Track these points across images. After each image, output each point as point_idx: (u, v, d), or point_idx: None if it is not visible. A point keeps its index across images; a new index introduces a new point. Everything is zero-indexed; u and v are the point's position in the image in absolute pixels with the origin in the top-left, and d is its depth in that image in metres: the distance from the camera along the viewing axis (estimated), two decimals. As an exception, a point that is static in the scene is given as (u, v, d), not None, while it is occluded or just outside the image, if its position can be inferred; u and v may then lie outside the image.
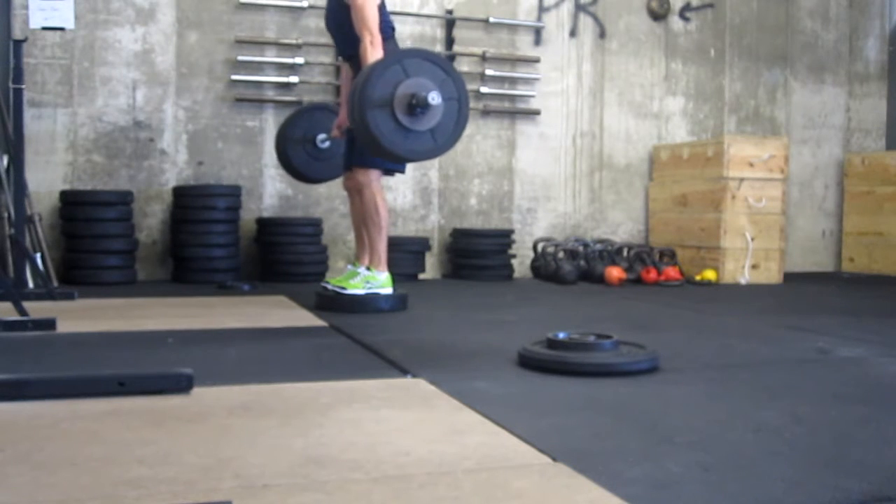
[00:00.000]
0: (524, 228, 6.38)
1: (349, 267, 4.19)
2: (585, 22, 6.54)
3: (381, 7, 3.96)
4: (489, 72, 6.18)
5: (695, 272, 6.01)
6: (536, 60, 6.32)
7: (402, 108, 3.26)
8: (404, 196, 6.08)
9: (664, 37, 6.76)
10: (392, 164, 4.03)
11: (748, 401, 2.27)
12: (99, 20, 5.44)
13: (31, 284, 4.56)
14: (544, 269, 5.94)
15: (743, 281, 5.94)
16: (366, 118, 3.27)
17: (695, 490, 1.52)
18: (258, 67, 5.69)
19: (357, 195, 4.10)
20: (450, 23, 6.12)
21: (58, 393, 2.11)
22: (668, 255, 6.11)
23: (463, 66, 6.16)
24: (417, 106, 3.24)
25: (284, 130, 4.67)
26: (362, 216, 4.09)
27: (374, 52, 3.78)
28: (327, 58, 5.85)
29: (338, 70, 5.84)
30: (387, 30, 3.99)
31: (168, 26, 5.56)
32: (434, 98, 3.22)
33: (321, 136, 4.56)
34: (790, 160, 6.42)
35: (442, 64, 3.42)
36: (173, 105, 5.59)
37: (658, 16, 6.72)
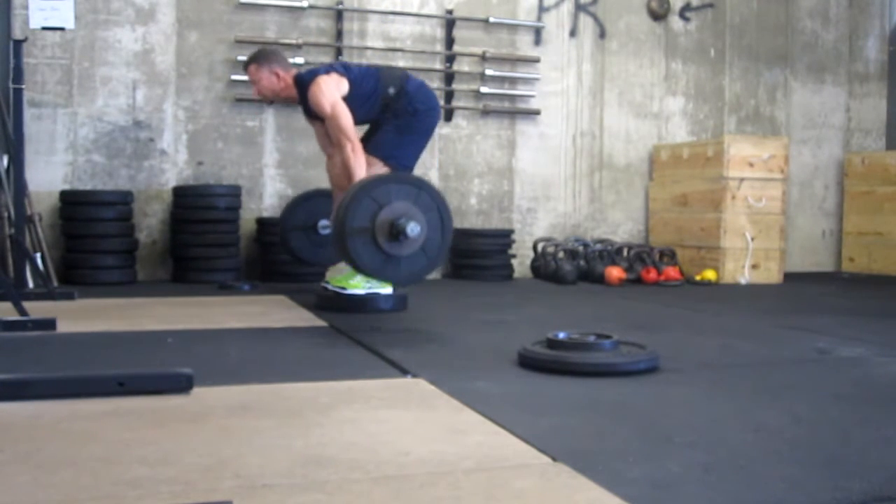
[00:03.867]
0: (524, 228, 6.38)
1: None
2: (585, 22, 6.53)
3: (352, 75, 4.06)
4: (489, 72, 6.18)
5: (695, 272, 6.01)
6: (536, 60, 6.32)
7: (385, 238, 3.27)
8: (404, 196, 6.08)
9: (664, 37, 6.76)
10: None
11: (748, 401, 2.27)
12: (99, 20, 5.43)
13: (31, 284, 4.56)
14: (544, 269, 5.94)
15: (743, 281, 5.94)
16: (358, 263, 3.30)
17: (695, 490, 1.52)
18: (258, 67, 5.69)
19: None
20: (450, 23, 6.12)
21: (58, 393, 2.11)
22: (668, 255, 6.11)
23: (463, 66, 6.17)
24: (400, 234, 3.25)
25: (285, 219, 4.80)
26: None
27: (356, 159, 3.91)
28: (327, 58, 5.85)
29: (338, 70, 5.84)
30: (366, 86, 4.07)
31: (168, 26, 5.56)
32: (412, 230, 3.23)
33: (322, 223, 4.66)
34: (790, 160, 6.42)
35: (411, 181, 3.44)
36: (173, 105, 5.59)
37: (658, 16, 6.72)
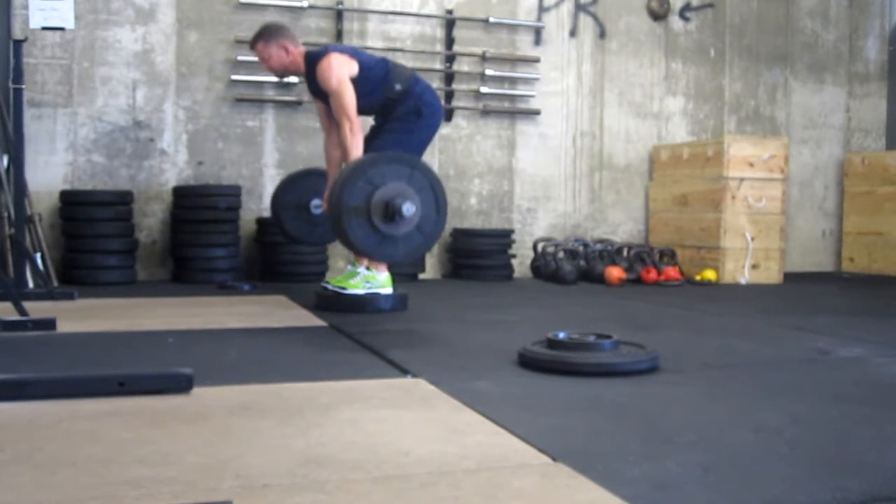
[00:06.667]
0: (524, 228, 6.38)
1: (349, 267, 4.19)
2: (585, 22, 6.53)
3: (363, 59, 4.05)
4: (489, 72, 6.18)
5: (695, 272, 6.01)
6: (536, 60, 6.32)
7: (380, 218, 3.29)
8: (404, 196, 6.08)
9: (664, 37, 6.76)
10: None
11: (748, 401, 2.27)
12: (99, 20, 5.43)
13: (31, 284, 4.56)
14: (544, 269, 5.94)
15: (743, 281, 5.94)
16: (354, 243, 3.33)
17: (695, 490, 1.52)
18: (258, 67, 5.66)
19: None
20: (450, 23, 6.12)
21: (58, 393, 2.11)
22: (668, 255, 6.11)
23: (463, 66, 6.17)
24: (395, 214, 3.27)
25: (278, 196, 4.69)
26: None
27: (353, 139, 3.91)
28: (327, 58, 5.84)
29: (338, 70, 5.84)
30: (375, 74, 4.06)
31: (168, 26, 5.56)
32: (408, 209, 3.26)
33: (315, 202, 4.59)
34: (790, 160, 6.42)
35: (404, 160, 3.45)
36: (173, 105, 5.59)
37: (658, 16, 6.72)
